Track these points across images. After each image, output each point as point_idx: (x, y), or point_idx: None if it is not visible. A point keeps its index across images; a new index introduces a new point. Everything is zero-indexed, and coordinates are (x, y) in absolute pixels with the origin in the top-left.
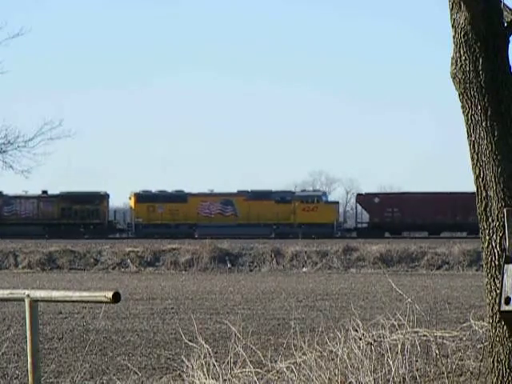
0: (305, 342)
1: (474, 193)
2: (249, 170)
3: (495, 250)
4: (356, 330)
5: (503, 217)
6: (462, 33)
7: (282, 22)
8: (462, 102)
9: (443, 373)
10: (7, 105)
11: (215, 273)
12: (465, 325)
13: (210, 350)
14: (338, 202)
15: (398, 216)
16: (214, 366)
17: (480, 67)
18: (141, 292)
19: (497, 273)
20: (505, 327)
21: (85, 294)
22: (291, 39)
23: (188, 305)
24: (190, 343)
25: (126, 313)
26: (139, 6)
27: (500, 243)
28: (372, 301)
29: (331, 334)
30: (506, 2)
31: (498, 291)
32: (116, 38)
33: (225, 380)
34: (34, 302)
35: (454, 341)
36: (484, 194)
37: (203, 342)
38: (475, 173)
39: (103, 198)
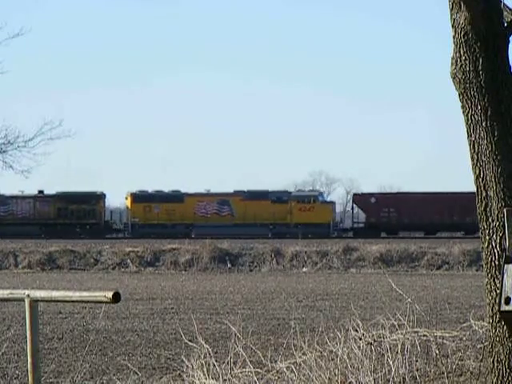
0: (305, 342)
1: (470, 193)
2: (249, 171)
3: (495, 250)
4: (356, 330)
5: (503, 217)
6: (462, 33)
7: (282, 22)
8: (462, 102)
9: (443, 373)
10: (7, 105)
11: (215, 273)
12: (465, 325)
13: (209, 349)
14: (334, 202)
15: (394, 216)
16: (214, 366)
17: (480, 67)
18: (141, 292)
19: (497, 273)
20: (505, 327)
21: (85, 294)
22: (291, 39)
23: (188, 305)
24: (190, 343)
25: (125, 313)
26: (139, 6)
27: (500, 243)
28: (372, 301)
29: (331, 334)
30: (506, 2)
31: (498, 291)
32: (116, 38)
33: (225, 380)
34: (34, 302)
35: (454, 341)
36: (484, 194)
37: (203, 342)
38: (475, 173)
39: (99, 198)
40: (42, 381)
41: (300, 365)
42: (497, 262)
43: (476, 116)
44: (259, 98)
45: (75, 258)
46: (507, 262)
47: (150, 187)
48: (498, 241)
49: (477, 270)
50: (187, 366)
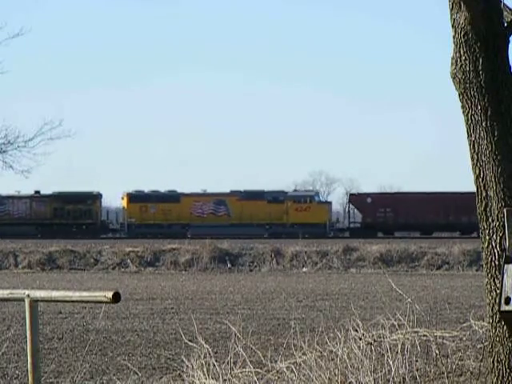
0: (305, 342)
1: (466, 193)
2: (249, 171)
3: (495, 250)
4: (356, 330)
5: (503, 217)
6: (462, 33)
7: (282, 22)
8: (462, 102)
9: (443, 373)
10: (7, 105)
11: (215, 273)
12: (465, 325)
13: (209, 349)
14: (330, 202)
15: (390, 216)
16: (214, 366)
17: (480, 67)
18: (141, 292)
19: (497, 273)
20: (505, 327)
21: (85, 294)
22: (291, 39)
23: (188, 305)
24: (190, 343)
25: (126, 313)
26: (139, 6)
27: (500, 243)
28: (372, 301)
29: (331, 334)
30: (506, 2)
31: (498, 291)
32: (116, 38)
33: (225, 380)
34: (34, 302)
35: (453, 341)
36: (484, 194)
37: (203, 342)
38: (475, 173)
39: (96, 197)
40: (42, 381)
41: (300, 365)
42: (497, 262)
43: (476, 116)
44: (259, 98)
45: (75, 257)
46: (507, 261)
47: (147, 187)
48: (498, 241)
49: (477, 270)
50: (187, 366)
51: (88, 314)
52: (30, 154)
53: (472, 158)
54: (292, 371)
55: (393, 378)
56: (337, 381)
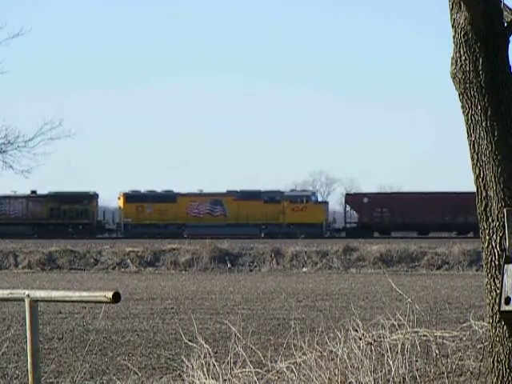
0: (305, 342)
1: (463, 193)
2: (249, 171)
3: (495, 250)
4: (356, 330)
5: (503, 217)
6: (462, 33)
7: (282, 22)
8: (462, 102)
9: (443, 373)
10: (7, 105)
11: (215, 273)
12: (465, 325)
13: (210, 349)
14: (327, 202)
15: (387, 216)
16: (214, 366)
17: (480, 67)
18: (141, 292)
19: (497, 273)
20: (505, 327)
21: (85, 294)
22: (291, 39)
23: (188, 305)
24: (190, 343)
25: (126, 313)
26: (139, 6)
27: (500, 243)
28: (372, 301)
29: (331, 334)
30: (506, 2)
31: (498, 291)
32: (116, 38)
33: (225, 380)
34: (34, 302)
35: (453, 341)
36: (484, 194)
37: (203, 342)
38: (475, 173)
39: (92, 197)
40: (42, 381)
41: (300, 365)
42: (497, 262)
43: (476, 116)
44: (259, 98)
45: (75, 257)
46: (507, 261)
47: (143, 187)
48: (498, 241)
49: (477, 270)
50: (187, 366)
51: (88, 313)
52: (29, 153)
53: (472, 158)
54: (292, 371)
55: (393, 378)
56: (337, 381)
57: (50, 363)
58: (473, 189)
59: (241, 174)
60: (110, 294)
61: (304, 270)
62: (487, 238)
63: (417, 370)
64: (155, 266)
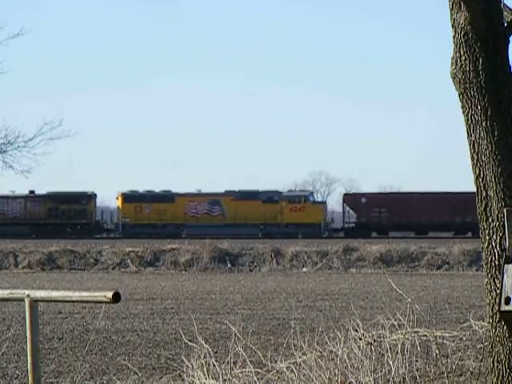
0: (305, 342)
1: (461, 193)
2: (249, 171)
3: (495, 250)
4: (356, 330)
5: (503, 217)
6: (462, 33)
7: (282, 22)
8: (462, 102)
9: (443, 373)
10: (7, 105)
11: (215, 273)
12: (465, 325)
13: (210, 349)
14: (325, 202)
15: (385, 216)
16: (214, 366)
17: (480, 67)
18: (141, 292)
19: (497, 273)
20: (505, 327)
21: (85, 293)
22: (291, 39)
23: (188, 305)
24: (190, 343)
25: (126, 313)
26: (139, 6)
27: (500, 243)
28: (372, 301)
29: (331, 334)
30: (506, 2)
31: (498, 291)
32: (116, 38)
33: (225, 380)
34: (34, 302)
35: (453, 341)
36: (484, 194)
37: (203, 342)
38: (475, 173)
39: (90, 198)
40: (42, 381)
41: (300, 365)
42: (497, 262)
43: (476, 116)
44: (259, 98)
45: (75, 257)
46: (507, 261)
47: (141, 187)
48: (498, 241)
49: (477, 270)
50: (187, 366)
51: (88, 313)
52: (29, 153)
53: (472, 158)
54: (292, 371)
55: (393, 378)
56: (337, 381)
57: (50, 363)
58: (471, 189)
59: (240, 174)
60: (110, 294)
61: (304, 270)
62: (487, 237)
63: (417, 370)
64: (155, 266)
